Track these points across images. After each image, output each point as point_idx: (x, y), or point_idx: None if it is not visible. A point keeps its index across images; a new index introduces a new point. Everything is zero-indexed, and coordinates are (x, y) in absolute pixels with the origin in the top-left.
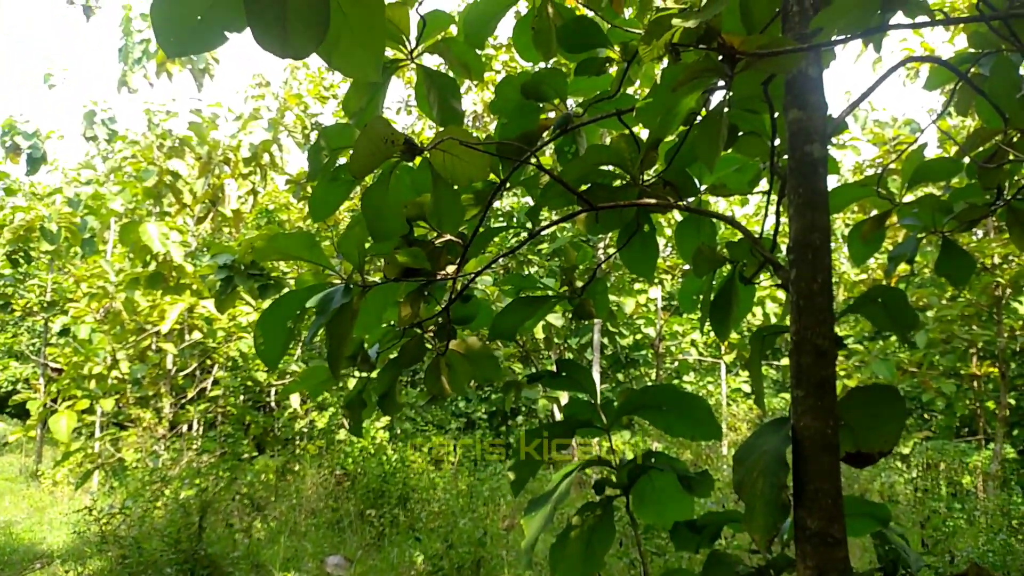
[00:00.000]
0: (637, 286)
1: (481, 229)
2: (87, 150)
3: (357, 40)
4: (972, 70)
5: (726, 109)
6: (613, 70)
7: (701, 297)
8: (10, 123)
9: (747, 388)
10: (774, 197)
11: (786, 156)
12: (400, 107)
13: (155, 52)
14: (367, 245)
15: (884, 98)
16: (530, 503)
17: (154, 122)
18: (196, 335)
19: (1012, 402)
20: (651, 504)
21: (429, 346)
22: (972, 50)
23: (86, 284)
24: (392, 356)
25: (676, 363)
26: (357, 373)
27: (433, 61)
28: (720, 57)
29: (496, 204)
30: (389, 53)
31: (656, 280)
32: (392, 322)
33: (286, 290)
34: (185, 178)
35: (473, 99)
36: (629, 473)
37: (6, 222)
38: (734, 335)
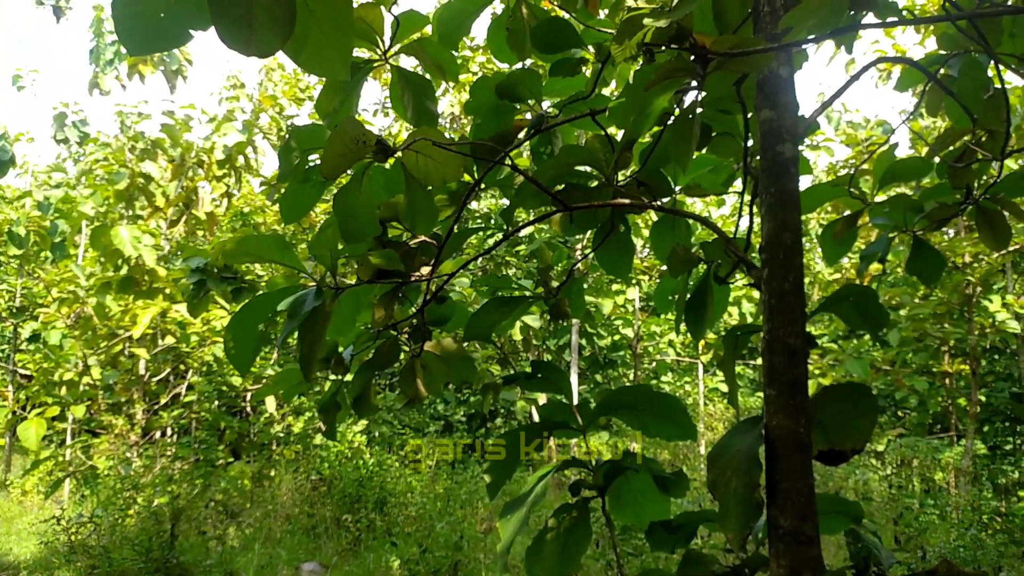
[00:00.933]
0: (615, 287)
1: (457, 228)
2: (58, 152)
3: (325, 38)
4: (941, 71)
5: (699, 109)
6: (589, 71)
7: (676, 297)
8: None
9: (724, 388)
10: (747, 197)
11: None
12: (377, 109)
13: (127, 54)
14: (340, 247)
15: (858, 100)
16: (505, 506)
17: (126, 124)
18: (169, 340)
19: (983, 399)
20: (628, 505)
21: (404, 348)
22: (942, 52)
23: (56, 289)
24: (367, 358)
25: (654, 363)
26: (332, 376)
27: (410, 63)
28: (692, 57)
29: (473, 205)
30: (363, 53)
31: (634, 281)
32: (367, 324)
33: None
34: (158, 181)
35: (450, 100)
36: (605, 474)
37: None
38: (711, 335)
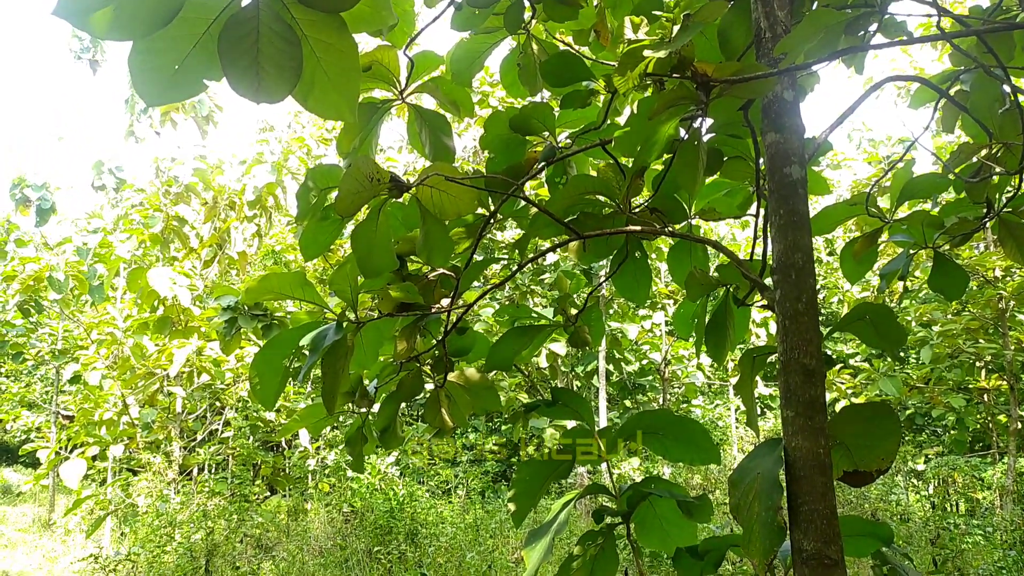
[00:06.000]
0: (642, 312)
1: (477, 258)
2: (97, 200)
3: (331, 83)
4: (956, 87)
5: (706, 136)
6: (602, 101)
7: (697, 321)
8: (20, 177)
9: (758, 410)
10: (762, 220)
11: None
12: (401, 145)
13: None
14: (360, 282)
15: (882, 119)
16: (530, 534)
17: (161, 169)
18: (204, 378)
19: None
20: (653, 531)
21: (428, 380)
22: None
23: (96, 331)
24: (391, 391)
25: (683, 387)
26: (355, 409)
27: (432, 101)
28: (695, 85)
29: (499, 236)
30: (381, 93)
31: (660, 305)
32: (390, 357)
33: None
34: (191, 223)
35: (473, 135)
36: (628, 500)
37: (15, 273)
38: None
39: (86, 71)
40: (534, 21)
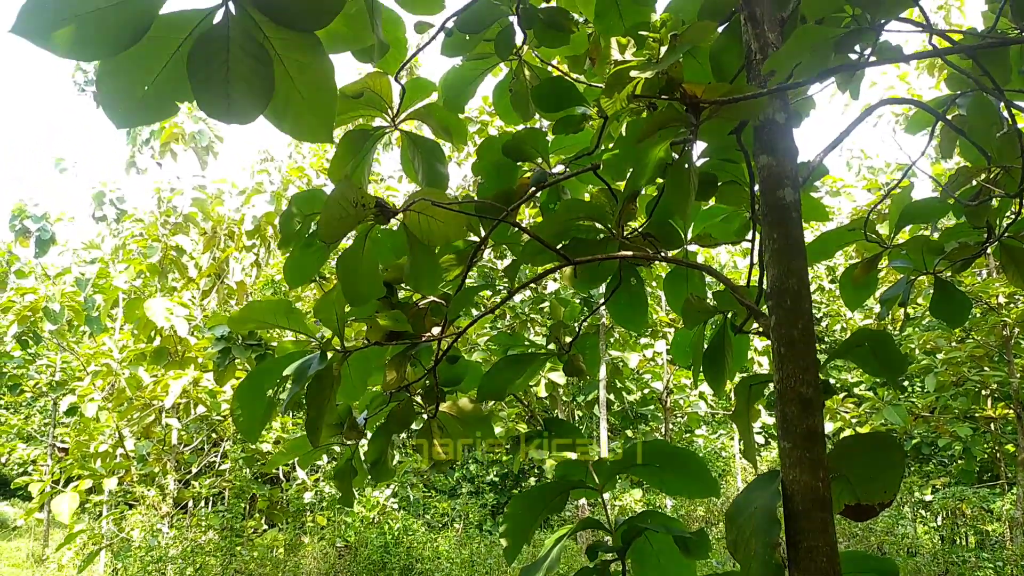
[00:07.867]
0: (643, 340)
1: (470, 283)
2: (98, 230)
3: (307, 104)
4: (954, 111)
5: (700, 160)
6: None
7: (695, 349)
8: (20, 208)
9: (762, 439)
10: (757, 246)
11: None
12: (401, 175)
13: (160, 132)
14: (347, 309)
15: (879, 147)
16: (522, 571)
17: (162, 199)
18: (201, 409)
19: None
20: (650, 567)
21: (420, 410)
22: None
23: (93, 363)
24: (381, 421)
25: (685, 417)
26: (345, 441)
27: (427, 129)
28: (685, 107)
29: (499, 264)
30: (378, 121)
31: (661, 333)
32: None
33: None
34: (190, 253)
35: (473, 163)
36: (624, 535)
37: (12, 304)
38: None
39: (89, 103)
40: (525, 47)
